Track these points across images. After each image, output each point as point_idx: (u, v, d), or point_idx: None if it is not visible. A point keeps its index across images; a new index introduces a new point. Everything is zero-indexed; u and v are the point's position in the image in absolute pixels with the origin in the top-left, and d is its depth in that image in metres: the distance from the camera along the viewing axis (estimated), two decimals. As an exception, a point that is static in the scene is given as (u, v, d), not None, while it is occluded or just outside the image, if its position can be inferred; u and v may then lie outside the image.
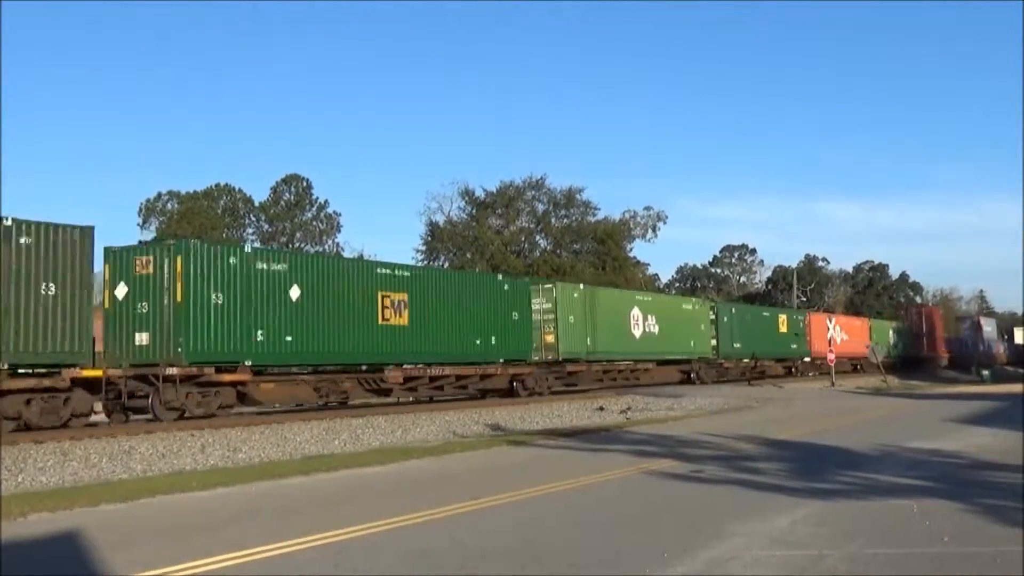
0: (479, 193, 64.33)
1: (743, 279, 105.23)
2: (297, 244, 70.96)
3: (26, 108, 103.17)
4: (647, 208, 70.06)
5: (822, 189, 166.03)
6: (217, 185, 73.43)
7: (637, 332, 36.62)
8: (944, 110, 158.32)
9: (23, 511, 9.58)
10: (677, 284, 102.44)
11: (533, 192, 64.92)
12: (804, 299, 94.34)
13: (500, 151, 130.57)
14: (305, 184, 75.03)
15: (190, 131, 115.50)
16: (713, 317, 42.87)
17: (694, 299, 45.90)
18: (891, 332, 66.58)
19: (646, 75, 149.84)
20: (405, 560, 7.27)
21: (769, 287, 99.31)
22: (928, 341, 73.53)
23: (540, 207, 65.42)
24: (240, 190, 74.18)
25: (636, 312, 36.85)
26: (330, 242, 73.81)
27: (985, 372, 59.90)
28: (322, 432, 18.97)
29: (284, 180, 74.84)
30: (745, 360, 45.88)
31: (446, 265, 59.67)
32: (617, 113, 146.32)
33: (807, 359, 52.91)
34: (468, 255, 60.69)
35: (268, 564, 7.19)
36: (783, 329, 50.68)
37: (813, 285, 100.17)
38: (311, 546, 7.74)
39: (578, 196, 65.11)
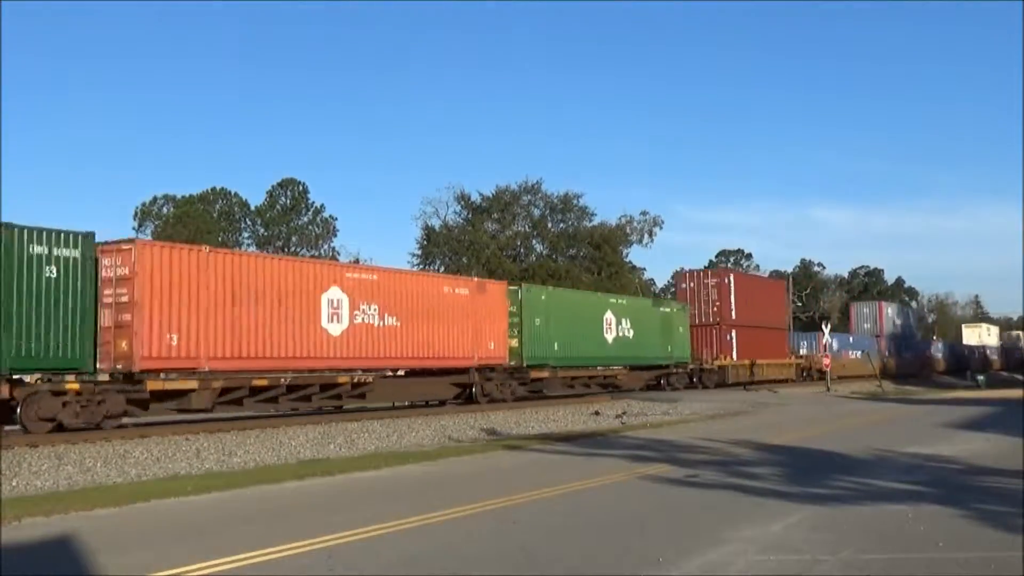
0: (475, 198, 64.45)
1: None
2: (293, 248, 70.93)
3: (22, 110, 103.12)
4: (643, 213, 70.25)
5: (817, 194, 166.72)
6: (213, 189, 73.54)
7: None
8: (941, 115, 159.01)
9: (18, 515, 9.55)
10: (673, 289, 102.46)
11: (529, 197, 65.01)
12: (800, 303, 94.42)
13: (496, 156, 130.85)
14: (301, 188, 75.14)
15: (186, 134, 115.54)
16: None
17: None
18: (610, 317, 33.98)
19: (642, 80, 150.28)
20: (399, 565, 7.27)
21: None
22: (731, 340, 43.00)
23: (536, 212, 65.50)
24: (236, 194, 74.32)
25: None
26: (326, 246, 73.84)
27: (980, 377, 60.14)
28: (317, 436, 18.96)
29: (280, 184, 74.94)
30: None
31: (441, 269, 59.63)
32: (614, 119, 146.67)
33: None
34: (464, 259, 60.69)
35: (262, 568, 7.17)
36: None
37: (809, 290, 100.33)
38: (306, 550, 7.73)
39: (575, 201, 65.24)
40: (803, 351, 54.74)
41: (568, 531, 8.70)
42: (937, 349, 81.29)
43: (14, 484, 12.49)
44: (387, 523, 8.90)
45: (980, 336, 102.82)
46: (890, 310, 71.50)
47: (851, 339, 61.89)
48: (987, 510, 9.47)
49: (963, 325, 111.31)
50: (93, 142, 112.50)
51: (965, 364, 79.37)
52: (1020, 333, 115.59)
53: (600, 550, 7.76)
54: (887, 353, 64.51)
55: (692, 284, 44.74)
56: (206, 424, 19.97)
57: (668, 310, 39.14)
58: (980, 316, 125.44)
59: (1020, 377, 70.35)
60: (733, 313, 43.47)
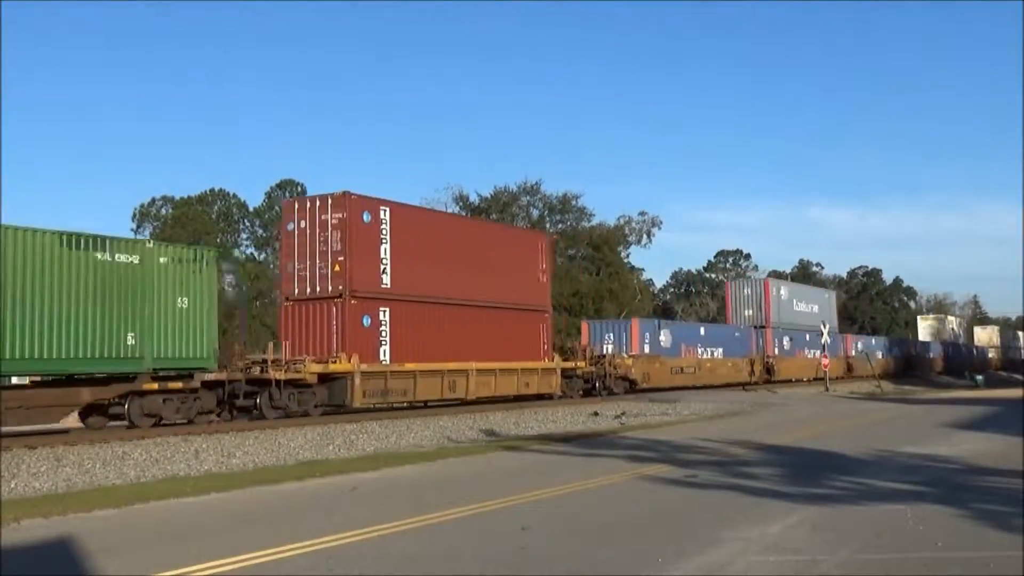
0: (473, 198, 64.42)
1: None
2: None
3: (21, 112, 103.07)
4: (642, 213, 70.36)
5: (816, 194, 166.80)
6: (211, 190, 73.53)
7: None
8: (939, 114, 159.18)
9: (17, 516, 9.55)
10: (672, 290, 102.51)
11: (528, 197, 65.01)
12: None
13: (495, 156, 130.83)
14: (300, 189, 75.07)
15: (185, 136, 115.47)
16: None
17: None
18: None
19: (642, 81, 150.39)
20: (399, 566, 7.26)
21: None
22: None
23: (535, 212, 65.49)
24: (234, 195, 74.33)
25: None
26: (325, 247, 73.72)
27: (979, 377, 60.17)
28: (316, 437, 18.93)
29: (279, 185, 74.94)
30: None
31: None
32: (613, 119, 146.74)
33: None
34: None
35: (262, 569, 7.17)
36: None
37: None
38: (305, 552, 7.72)
39: (573, 202, 65.27)
40: (608, 348, 37.63)
41: (568, 531, 8.69)
42: (868, 346, 64.30)
43: (13, 486, 12.48)
44: (387, 524, 8.89)
45: (938, 330, 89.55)
46: (784, 290, 51.03)
47: (702, 330, 45.29)
48: (987, 510, 9.47)
49: (919, 317, 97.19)
50: (91, 143, 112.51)
51: (912, 364, 70.07)
52: (1022, 333, 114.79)
53: (600, 550, 7.75)
54: (771, 352, 47.76)
55: (304, 223, 23.74)
56: (205, 425, 19.96)
57: (133, 260, 18.26)
58: (979, 316, 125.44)
59: (1020, 377, 70.32)
60: (386, 277, 24.08)
